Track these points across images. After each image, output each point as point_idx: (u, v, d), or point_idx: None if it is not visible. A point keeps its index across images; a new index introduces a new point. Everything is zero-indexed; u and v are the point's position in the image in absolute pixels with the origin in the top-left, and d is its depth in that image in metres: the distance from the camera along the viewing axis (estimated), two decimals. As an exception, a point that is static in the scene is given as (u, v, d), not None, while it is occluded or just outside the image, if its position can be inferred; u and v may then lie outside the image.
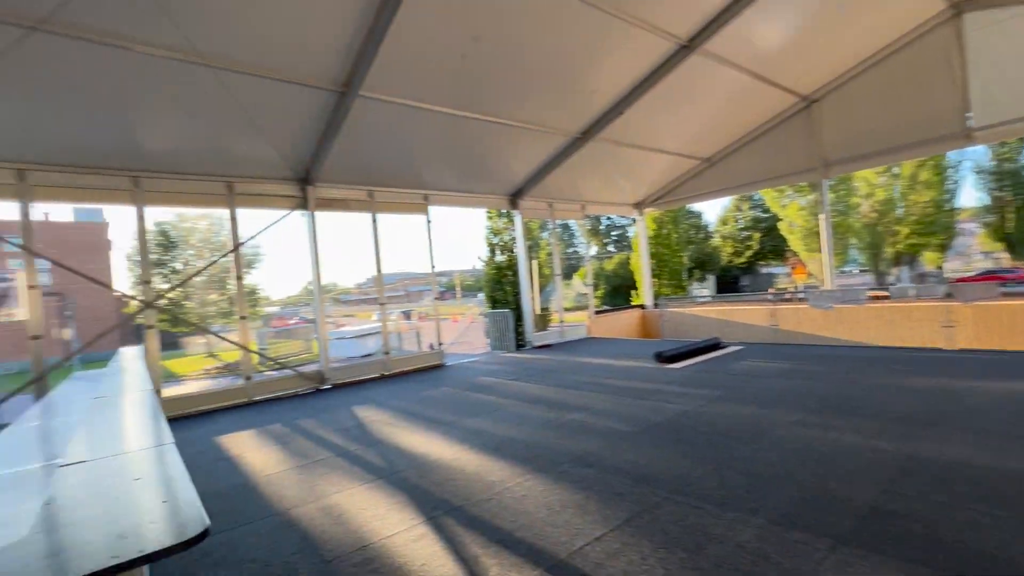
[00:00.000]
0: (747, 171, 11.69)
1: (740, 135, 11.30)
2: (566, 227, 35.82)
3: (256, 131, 6.78)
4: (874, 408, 4.62)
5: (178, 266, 25.49)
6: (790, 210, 27.24)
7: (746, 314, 11.62)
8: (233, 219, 7.88)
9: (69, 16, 4.42)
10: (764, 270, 39.21)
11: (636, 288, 17.76)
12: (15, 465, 1.68)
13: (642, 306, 14.42)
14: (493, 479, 3.66)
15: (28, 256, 6.28)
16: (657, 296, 15.28)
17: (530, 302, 11.78)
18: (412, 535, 2.91)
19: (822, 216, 11.12)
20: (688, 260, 26.18)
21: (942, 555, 2.28)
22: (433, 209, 10.09)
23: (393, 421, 5.67)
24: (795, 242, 27.75)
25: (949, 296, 8.72)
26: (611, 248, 40.13)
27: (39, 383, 6.10)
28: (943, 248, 26.41)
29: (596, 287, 33.50)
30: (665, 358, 7.95)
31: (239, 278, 8.50)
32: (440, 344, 10.20)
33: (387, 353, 9.34)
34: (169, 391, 8.06)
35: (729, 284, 36.47)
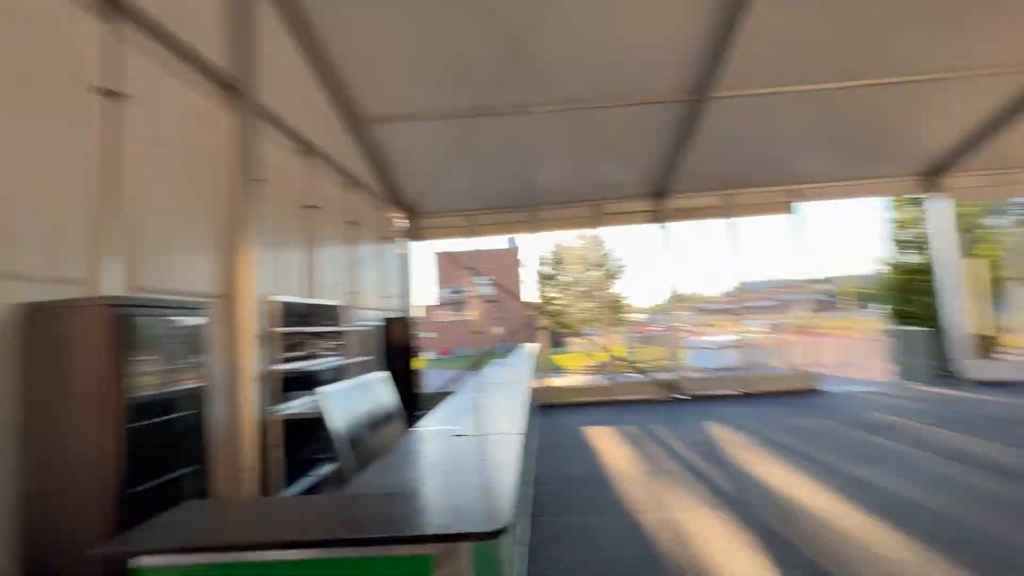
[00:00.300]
0: None
1: None
2: (1041, 207, 23.80)
3: (616, 154, 7.53)
4: None
5: (565, 278, 31.20)
6: None
7: None
8: (599, 237, 8.97)
9: (498, 99, 6.08)
10: None
11: None
12: (443, 423, 2.46)
13: None
14: (886, 555, 2.78)
15: (473, 275, 8.98)
16: None
17: (962, 318, 8.44)
18: (763, 587, 2.53)
19: None
20: None
21: None
22: (804, 205, 8.65)
23: (749, 446, 5.13)
24: None
25: None
26: None
27: (476, 365, 8.59)
28: None
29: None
30: None
31: (604, 288, 9.55)
32: (814, 365, 8.58)
33: (746, 369, 8.57)
34: (554, 381, 9.84)
35: None
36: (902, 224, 12.48)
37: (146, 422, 2.32)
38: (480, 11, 5.03)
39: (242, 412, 3.72)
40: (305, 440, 4.34)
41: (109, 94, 2.75)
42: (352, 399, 3.85)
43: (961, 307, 8.50)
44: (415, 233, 8.82)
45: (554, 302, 22.49)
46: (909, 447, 4.82)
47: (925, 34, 5.78)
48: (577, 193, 8.55)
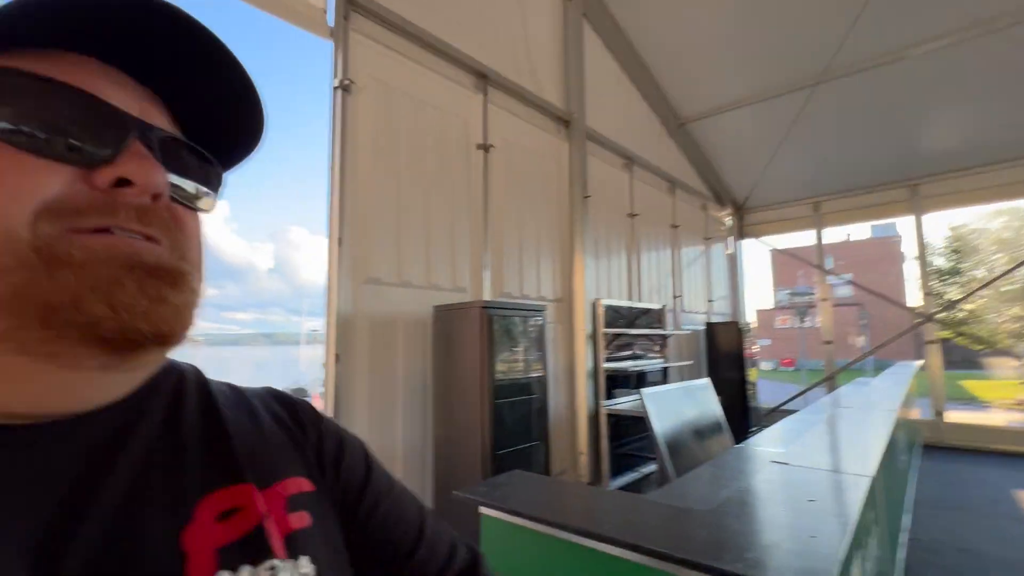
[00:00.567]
0: None
1: None
2: None
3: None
4: None
5: (978, 273, 22.21)
6: None
7: None
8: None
9: (843, 57, 4.96)
10: None
11: None
12: (773, 445, 2.12)
13: None
14: None
15: (820, 274, 7.50)
16: None
17: None
18: None
19: None
20: None
21: None
22: None
23: None
24: None
25: None
26: None
27: (829, 381, 7.10)
28: None
29: None
30: None
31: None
32: None
33: None
34: (958, 416, 7.12)
35: None
36: None
37: (505, 400, 2.93)
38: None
39: (576, 402, 4.23)
40: (629, 436, 4.58)
41: (484, 148, 3.62)
42: (674, 403, 3.82)
43: None
44: (744, 230, 8.06)
45: (959, 306, 16.32)
46: None
47: None
48: (992, 154, 5.98)
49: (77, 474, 0.32)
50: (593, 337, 4.35)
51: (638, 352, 5.05)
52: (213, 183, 0.40)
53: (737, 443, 3.45)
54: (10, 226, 0.29)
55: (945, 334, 8.36)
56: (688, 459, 3.59)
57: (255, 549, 0.35)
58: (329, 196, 2.68)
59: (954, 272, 23.03)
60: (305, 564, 0.37)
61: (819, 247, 7.46)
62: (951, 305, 8.83)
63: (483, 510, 1.36)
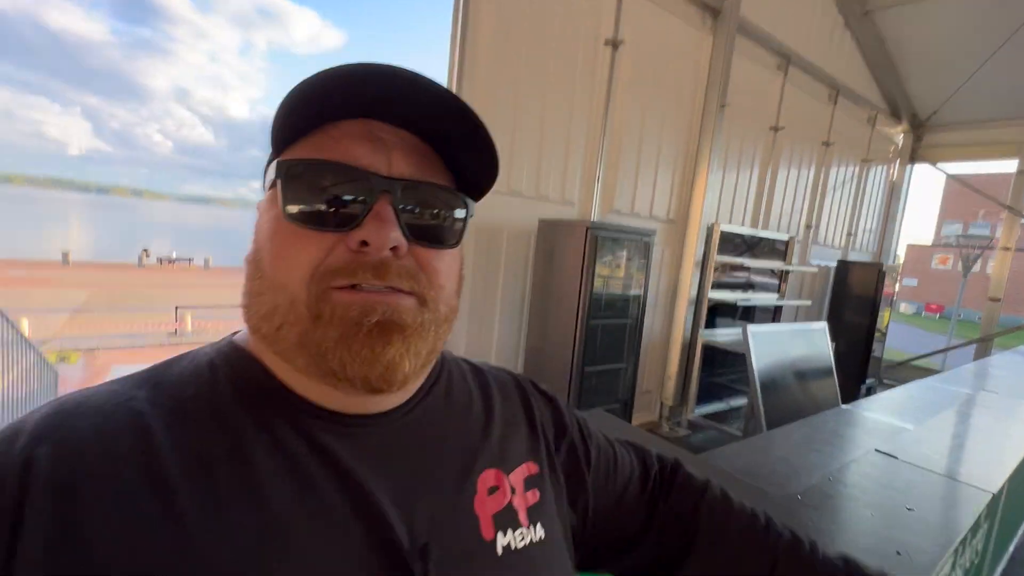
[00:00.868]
0: None
1: None
2: None
3: None
4: None
5: None
6: None
7: None
8: None
9: None
10: None
11: None
12: (877, 412, 1.93)
13: None
14: None
15: (1011, 215, 6.10)
16: None
17: None
18: None
19: None
20: None
21: None
22: None
23: None
24: None
25: None
26: None
27: (983, 343, 6.11)
28: None
29: None
30: None
31: None
32: None
33: None
34: None
35: None
36: None
37: (600, 321, 2.96)
38: None
39: (673, 328, 4.15)
40: (723, 368, 4.46)
41: (613, 44, 3.25)
42: (780, 344, 3.60)
43: None
44: (918, 153, 6.66)
45: None
46: None
47: None
48: None
49: (405, 450, 0.45)
50: (703, 264, 4.10)
51: (751, 285, 4.70)
52: (460, 211, 0.45)
53: (846, 400, 3.22)
54: (294, 289, 0.38)
55: None
56: (785, 402, 3.46)
57: (510, 518, 0.47)
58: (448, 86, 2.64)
59: None
60: (539, 529, 0.49)
61: (1019, 182, 5.98)
62: None
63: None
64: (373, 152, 0.40)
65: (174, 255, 27.90)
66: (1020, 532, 2.06)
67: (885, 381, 6.10)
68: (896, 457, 1.31)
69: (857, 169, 6.09)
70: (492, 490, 0.47)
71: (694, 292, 4.09)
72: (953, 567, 0.94)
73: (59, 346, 9.80)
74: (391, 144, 0.41)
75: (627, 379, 3.21)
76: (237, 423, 0.39)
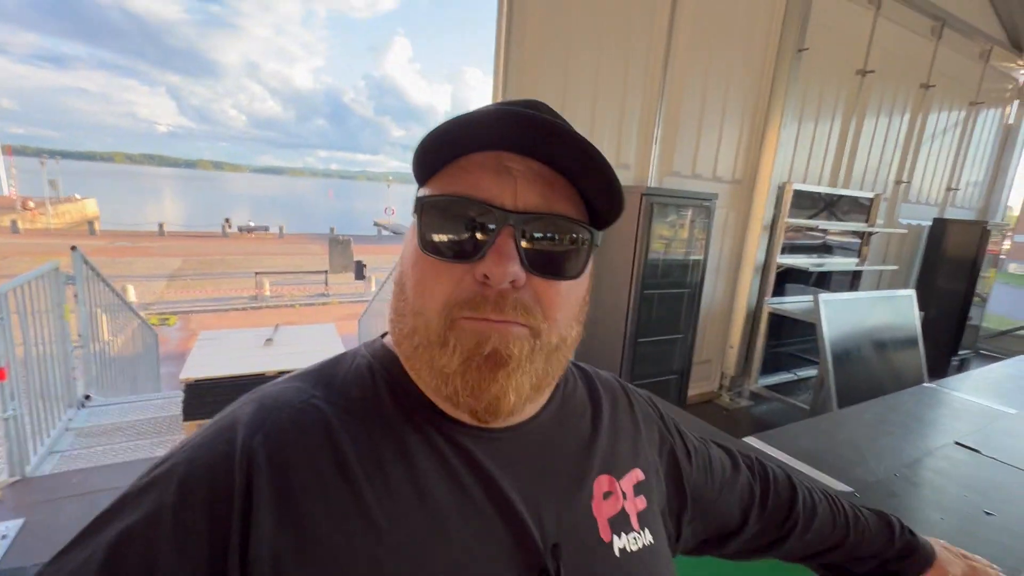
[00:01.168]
0: None
1: None
2: None
3: None
4: None
5: None
6: None
7: None
8: None
9: None
10: None
11: None
12: (966, 393, 1.74)
13: None
14: None
15: None
16: None
17: None
18: None
19: None
20: None
21: None
22: None
23: None
24: None
25: None
26: None
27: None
28: None
29: None
30: None
31: None
32: None
33: None
34: None
35: None
36: None
37: (655, 291, 2.86)
38: None
39: (737, 296, 3.95)
40: (791, 337, 4.21)
41: (671, -11, 2.99)
42: (857, 313, 3.34)
43: None
44: (1044, 90, 5.72)
45: None
46: None
47: None
48: None
49: (531, 457, 0.48)
50: (772, 227, 3.82)
51: (827, 248, 4.34)
52: (583, 242, 0.45)
53: (934, 374, 2.95)
54: (429, 316, 0.42)
55: None
56: (860, 376, 3.23)
57: (624, 522, 0.50)
58: (496, 50, 2.56)
59: None
60: (647, 535, 0.52)
61: None
62: None
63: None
64: (499, 183, 0.41)
65: (252, 224, 29.87)
66: None
67: (982, 352, 5.52)
68: (979, 451, 1.18)
69: (963, 114, 5.34)
70: (607, 495, 0.50)
71: (761, 257, 3.84)
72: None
73: (159, 310, 10.93)
74: (518, 174, 0.42)
75: (684, 350, 3.12)
76: (399, 426, 0.44)
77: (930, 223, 5.29)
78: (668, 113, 3.19)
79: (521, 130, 0.41)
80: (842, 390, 3.11)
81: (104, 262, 15.56)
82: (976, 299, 5.06)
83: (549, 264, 0.43)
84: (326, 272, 14.51)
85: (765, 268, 3.88)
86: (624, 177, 3.15)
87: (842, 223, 4.30)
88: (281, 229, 29.10)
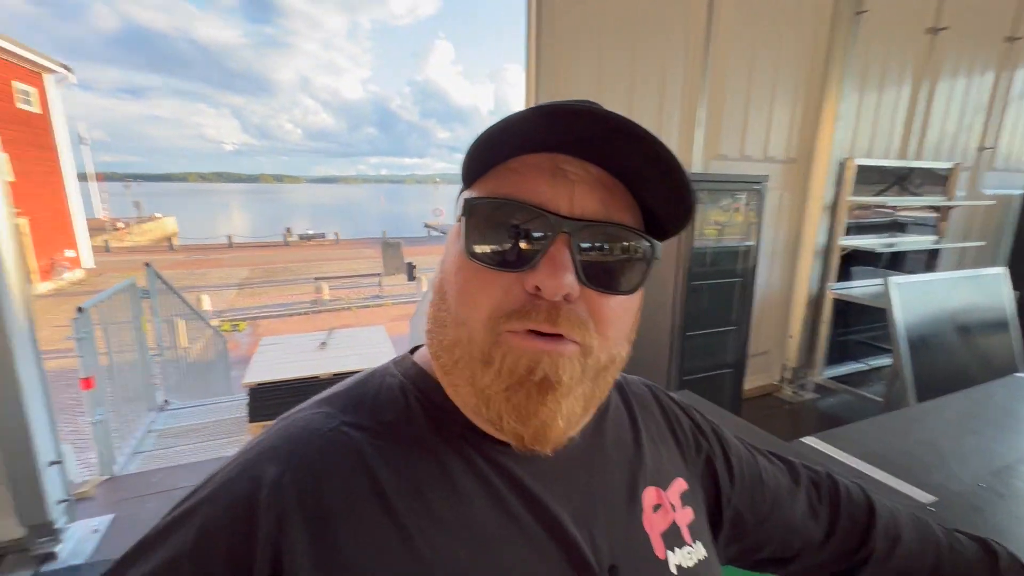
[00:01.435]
0: None
1: None
2: None
3: None
4: None
5: None
6: None
7: None
8: None
9: None
10: None
11: None
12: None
13: None
14: None
15: None
16: None
17: None
18: None
19: None
20: None
21: None
22: None
23: None
24: None
25: None
26: None
27: None
28: None
29: None
30: None
31: None
32: None
33: None
34: None
35: None
36: None
37: (704, 281, 2.73)
38: None
39: (796, 282, 3.71)
40: (859, 324, 3.91)
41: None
42: (934, 297, 3.06)
43: None
44: None
45: None
46: None
47: None
48: None
49: (576, 473, 0.46)
50: (833, 206, 3.55)
51: (899, 226, 3.98)
52: (642, 255, 0.41)
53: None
54: (473, 328, 0.38)
55: None
56: (941, 365, 2.96)
57: (675, 536, 0.47)
58: (527, 39, 2.53)
59: None
60: (700, 548, 0.48)
61: None
62: None
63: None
64: (555, 188, 0.38)
65: (310, 232, 31.39)
66: None
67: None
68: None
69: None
70: (656, 508, 0.48)
71: (822, 240, 3.58)
72: None
73: (230, 317, 11.72)
74: (575, 179, 0.39)
75: (737, 341, 2.96)
76: (436, 448, 0.41)
77: (1022, 192, 4.73)
78: (712, 93, 3.03)
79: (579, 130, 0.37)
80: (921, 381, 2.85)
81: (182, 274, 16.86)
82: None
83: (605, 277, 0.39)
84: (379, 275, 15.01)
85: (827, 251, 3.62)
86: (666, 164, 3.02)
87: (915, 198, 3.93)
88: (337, 235, 30.38)
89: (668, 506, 0.49)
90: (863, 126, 3.64)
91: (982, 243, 4.49)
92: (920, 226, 4.08)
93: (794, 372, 3.78)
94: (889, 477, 1.27)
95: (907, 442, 1.40)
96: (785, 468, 0.62)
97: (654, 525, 0.46)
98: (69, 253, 15.79)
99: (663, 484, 0.50)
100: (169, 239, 26.92)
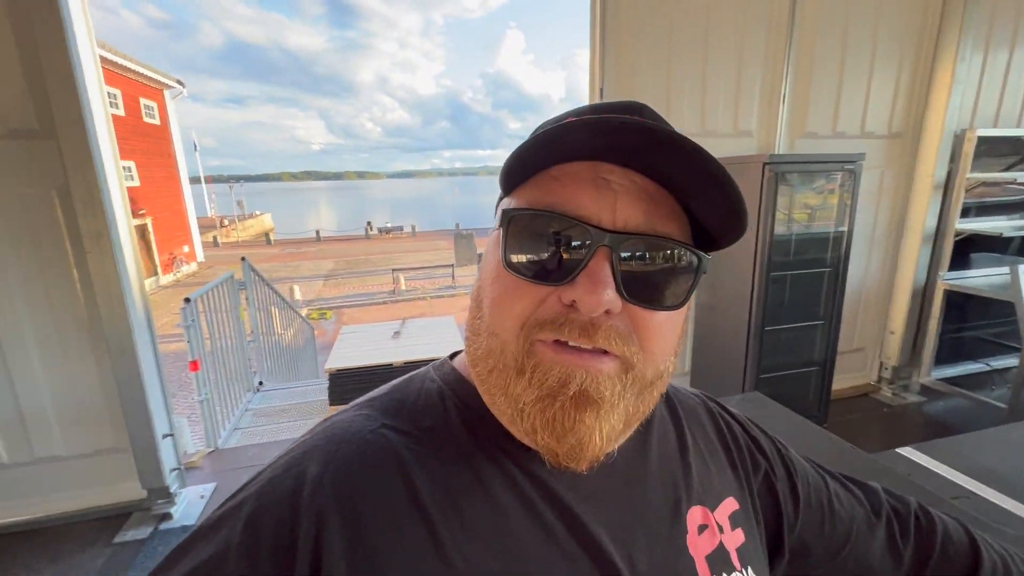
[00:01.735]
0: None
1: None
2: None
3: None
4: None
5: None
6: None
7: None
8: None
9: None
10: None
11: None
12: None
13: None
14: None
15: None
16: None
17: None
18: None
19: None
20: None
21: None
22: None
23: None
24: None
25: None
26: None
27: None
28: None
29: None
30: None
31: None
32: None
33: None
34: None
35: None
36: None
37: (786, 272, 2.52)
38: None
39: (899, 272, 3.33)
40: (980, 317, 3.42)
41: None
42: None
43: None
44: None
45: None
46: None
47: None
48: None
49: (616, 489, 0.44)
50: (946, 185, 3.12)
51: (1030, 206, 3.42)
52: (688, 268, 0.39)
53: None
54: (506, 338, 0.38)
55: None
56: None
57: (723, 561, 0.45)
58: (591, 20, 2.45)
59: None
60: (751, 573, 0.45)
61: None
62: None
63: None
64: (597, 199, 0.37)
65: (389, 225, 32.96)
66: None
67: None
68: None
69: None
70: (701, 528, 0.45)
71: (932, 223, 3.16)
72: None
73: (318, 306, 12.65)
74: (618, 189, 0.37)
75: (826, 337, 2.71)
76: (472, 457, 0.41)
77: None
78: (799, 64, 2.77)
79: (622, 138, 0.36)
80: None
81: (277, 267, 18.40)
82: None
83: (649, 291, 0.38)
84: (452, 266, 15.44)
85: (938, 236, 3.19)
86: (745, 145, 2.81)
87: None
88: (413, 228, 31.64)
89: (715, 527, 0.46)
90: (988, 92, 3.14)
91: None
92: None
93: (895, 372, 3.39)
94: (1005, 499, 1.10)
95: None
96: (863, 496, 0.56)
97: (699, 547, 0.44)
98: (185, 249, 17.83)
99: (711, 504, 0.47)
100: (267, 234, 29.45)
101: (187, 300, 2.85)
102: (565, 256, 0.36)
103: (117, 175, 2.06)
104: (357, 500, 0.37)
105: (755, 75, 2.74)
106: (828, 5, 2.74)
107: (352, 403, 0.47)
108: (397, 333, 4.31)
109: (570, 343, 0.36)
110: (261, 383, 4.14)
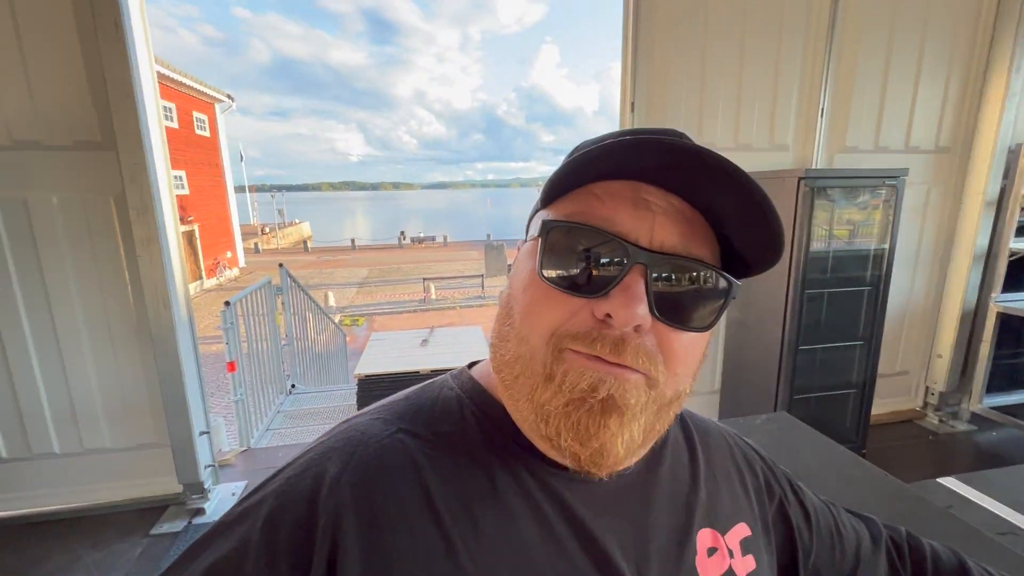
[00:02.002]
0: None
1: None
2: None
3: None
4: None
5: None
6: None
7: None
8: None
9: None
10: None
11: None
12: None
13: None
14: None
15: None
16: None
17: None
18: None
19: None
20: None
21: None
22: None
23: None
24: None
25: None
26: None
27: None
28: None
29: None
30: None
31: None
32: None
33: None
34: None
35: None
36: None
37: (821, 290, 2.44)
38: None
39: (947, 293, 3.17)
40: (1039, 345, 3.20)
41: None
42: None
43: None
44: None
45: None
46: None
47: None
48: None
49: (628, 506, 0.45)
50: (999, 201, 2.96)
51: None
52: (718, 292, 0.40)
53: None
54: (535, 344, 0.39)
55: None
56: None
57: None
58: (624, 32, 2.46)
59: None
60: None
61: None
62: None
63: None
64: (636, 218, 0.38)
65: (421, 235, 33.54)
66: None
67: None
68: None
69: None
70: (711, 551, 0.45)
71: (983, 242, 3.00)
72: None
73: (351, 312, 12.95)
74: (656, 210, 0.38)
75: (865, 359, 2.59)
76: (488, 464, 0.42)
77: None
78: (839, 75, 2.70)
79: (665, 162, 0.36)
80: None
81: (313, 273, 18.95)
82: None
83: (679, 312, 0.38)
84: (482, 276, 15.56)
85: (990, 255, 3.02)
86: (781, 160, 2.75)
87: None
88: (445, 238, 32.08)
89: (725, 551, 0.45)
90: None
91: None
92: None
93: (942, 398, 3.21)
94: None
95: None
96: (864, 524, 0.57)
97: (707, 570, 0.44)
98: (228, 254, 18.62)
99: (722, 527, 0.47)
100: (305, 242, 30.42)
101: (227, 304, 2.98)
102: (601, 271, 0.37)
103: (168, 185, 2.20)
104: (373, 502, 0.38)
105: (792, 87, 2.68)
106: (871, 13, 2.67)
107: (370, 407, 0.48)
108: (425, 341, 4.37)
109: (598, 356, 0.37)
110: (293, 386, 4.26)
